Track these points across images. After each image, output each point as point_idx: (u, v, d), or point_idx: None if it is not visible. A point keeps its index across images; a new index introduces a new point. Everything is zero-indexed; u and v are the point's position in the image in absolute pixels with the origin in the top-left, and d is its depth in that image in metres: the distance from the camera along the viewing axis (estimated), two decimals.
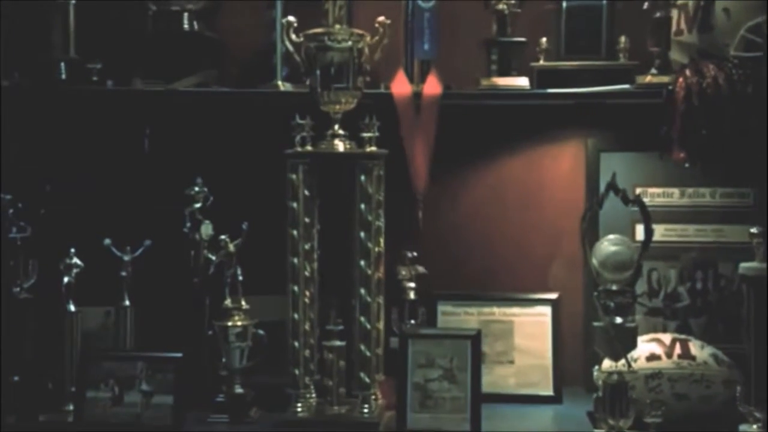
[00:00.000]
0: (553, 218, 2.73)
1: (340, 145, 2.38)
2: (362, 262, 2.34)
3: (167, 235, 2.57)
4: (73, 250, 2.49)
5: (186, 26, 2.70)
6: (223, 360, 2.45)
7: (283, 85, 2.60)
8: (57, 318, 2.48)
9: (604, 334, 2.26)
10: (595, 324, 2.29)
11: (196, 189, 2.56)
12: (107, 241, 2.55)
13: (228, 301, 2.44)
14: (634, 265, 2.27)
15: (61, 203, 2.69)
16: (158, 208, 2.65)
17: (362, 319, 2.35)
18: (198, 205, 2.56)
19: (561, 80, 2.50)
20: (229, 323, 2.43)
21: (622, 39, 2.54)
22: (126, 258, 2.56)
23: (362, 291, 2.35)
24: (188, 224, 2.56)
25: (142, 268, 2.57)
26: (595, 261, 2.30)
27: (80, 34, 2.62)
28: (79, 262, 2.49)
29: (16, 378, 2.49)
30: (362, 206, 2.34)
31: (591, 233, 2.43)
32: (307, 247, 2.38)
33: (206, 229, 2.53)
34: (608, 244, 2.30)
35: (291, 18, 2.40)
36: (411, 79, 2.52)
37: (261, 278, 2.44)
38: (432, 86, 2.50)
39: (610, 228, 2.52)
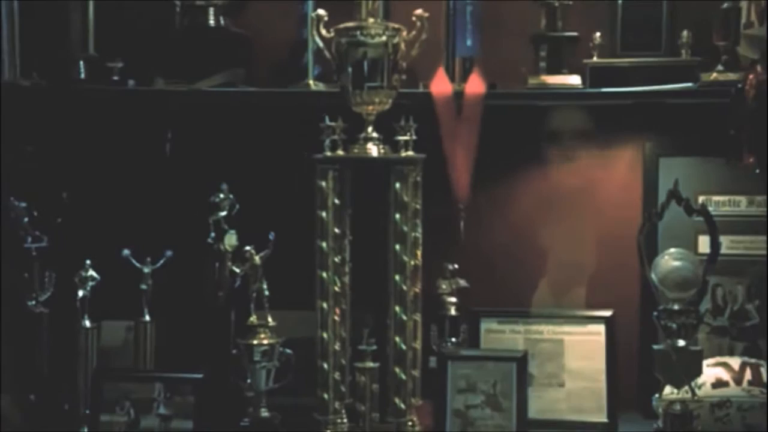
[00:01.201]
0: (607, 228, 2.54)
1: (373, 150, 2.21)
2: (397, 277, 2.17)
3: (190, 245, 2.43)
4: (88, 261, 2.34)
5: (211, 22, 2.55)
6: (248, 381, 2.28)
7: (314, 85, 2.45)
8: (74, 333, 2.34)
9: (665, 358, 2.06)
10: (655, 347, 2.10)
11: (221, 196, 2.41)
12: (126, 251, 2.40)
13: (253, 318, 2.28)
14: (699, 282, 2.06)
15: (78, 211, 2.55)
16: (181, 217, 2.51)
17: (397, 339, 2.17)
18: (223, 214, 2.42)
19: (616, 78, 2.34)
20: (255, 341, 2.26)
21: (685, 33, 2.35)
22: (146, 270, 2.42)
23: (397, 308, 2.17)
24: (212, 234, 2.41)
25: (164, 281, 2.42)
26: (654, 277, 2.10)
27: (100, 31, 2.49)
28: (95, 274, 2.34)
29: (32, 396, 2.36)
30: (397, 216, 2.16)
31: (649, 246, 2.22)
32: (337, 259, 2.20)
33: (230, 239, 2.38)
34: (669, 259, 2.09)
35: (321, 11, 2.23)
36: (452, 78, 2.37)
37: (289, 292, 2.28)
38: (475, 85, 2.34)
39: (669, 240, 2.34)
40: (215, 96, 2.44)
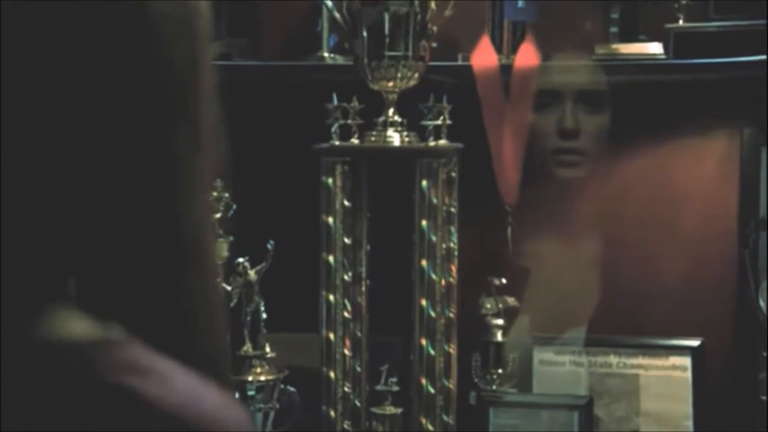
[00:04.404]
0: (695, 237, 2.13)
1: (395, 138, 1.80)
2: (424, 302, 1.74)
3: None
4: None
5: None
6: None
7: (330, 58, 2.08)
8: None
9: None
10: (765, 398, 1.66)
11: (214, 195, 2.02)
12: None
13: (247, 347, 1.91)
14: None
15: None
16: None
17: (423, 381, 1.75)
18: (217, 216, 2.03)
19: (708, 47, 1.98)
20: (249, 377, 1.89)
21: None
22: None
23: (423, 341, 1.75)
24: None
25: None
26: (763, 304, 1.67)
27: None
28: None
29: None
30: (424, 223, 1.73)
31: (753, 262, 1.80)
32: (347, 277, 1.79)
33: (220, 248, 1.99)
34: None
35: None
36: (499, 48, 2.01)
37: (296, 311, 1.94)
38: (527, 56, 1.98)
39: None
40: None
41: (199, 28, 0.68)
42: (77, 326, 0.62)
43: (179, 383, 0.61)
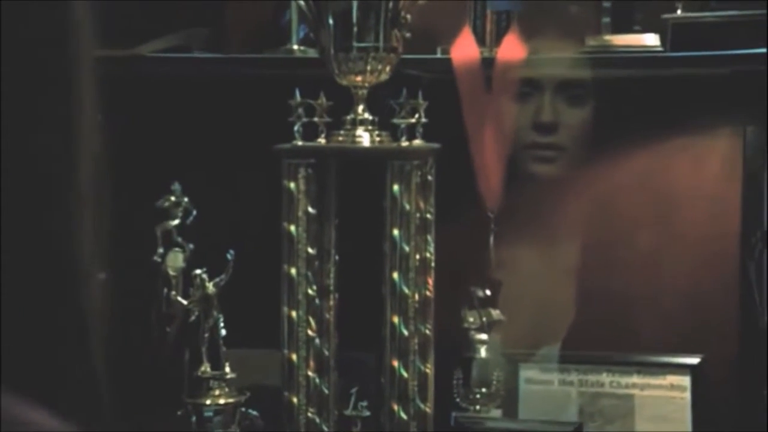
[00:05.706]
0: (695, 246, 2.03)
1: (364, 137, 1.65)
2: (395, 319, 1.59)
3: (131, 264, 1.90)
4: None
5: None
6: None
7: (300, 50, 1.96)
8: None
9: None
10: None
11: (173, 199, 1.89)
12: None
13: (205, 367, 1.78)
14: None
15: None
16: (119, 227, 1.97)
17: (395, 406, 1.59)
18: (174, 223, 1.89)
19: (708, 39, 1.89)
20: (207, 400, 1.75)
21: None
22: None
23: (396, 363, 1.59)
24: (160, 250, 1.90)
25: None
26: None
27: None
28: None
29: None
30: (395, 232, 1.58)
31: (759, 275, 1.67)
32: (311, 291, 1.64)
33: (175, 259, 1.86)
34: None
35: None
36: (481, 40, 1.89)
37: (258, 326, 1.81)
38: (511, 49, 1.87)
39: None
40: (162, 64, 1.93)
41: (73, 29, 0.64)
42: None
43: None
